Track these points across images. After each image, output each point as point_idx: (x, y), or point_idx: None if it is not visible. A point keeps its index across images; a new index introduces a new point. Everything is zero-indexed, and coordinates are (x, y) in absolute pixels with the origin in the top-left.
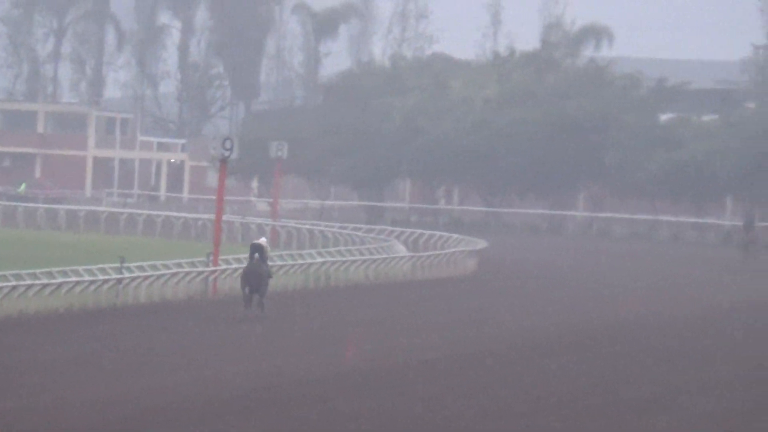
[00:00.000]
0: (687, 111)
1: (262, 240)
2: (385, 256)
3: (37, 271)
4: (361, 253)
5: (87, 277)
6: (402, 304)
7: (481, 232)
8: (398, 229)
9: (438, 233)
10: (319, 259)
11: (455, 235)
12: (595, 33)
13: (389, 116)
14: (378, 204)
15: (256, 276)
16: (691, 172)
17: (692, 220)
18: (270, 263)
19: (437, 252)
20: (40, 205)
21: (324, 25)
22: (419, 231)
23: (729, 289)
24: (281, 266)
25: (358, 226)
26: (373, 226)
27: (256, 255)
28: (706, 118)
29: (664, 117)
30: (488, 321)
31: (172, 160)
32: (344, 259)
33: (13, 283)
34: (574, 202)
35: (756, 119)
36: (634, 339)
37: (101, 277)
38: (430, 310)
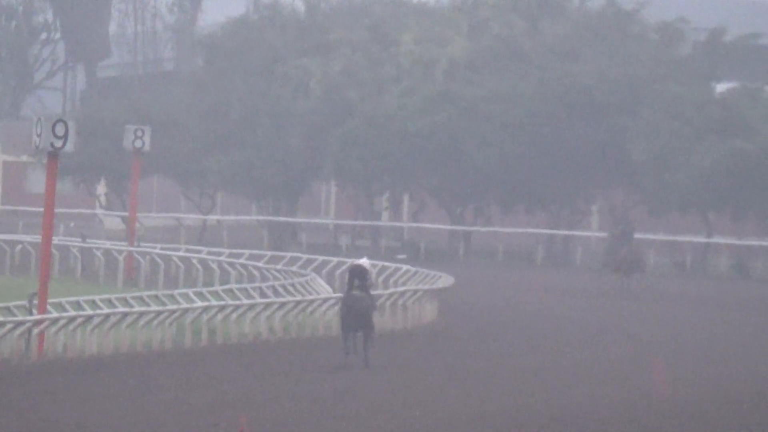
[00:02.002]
0: (756, 79)
1: (365, 261)
2: (299, 298)
3: None
4: (263, 295)
5: None
6: (318, 372)
7: (445, 261)
8: (319, 257)
9: (380, 263)
10: (200, 303)
11: (405, 267)
12: None
13: (304, 87)
14: (288, 219)
15: (357, 311)
16: (763, 169)
17: (766, 243)
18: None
19: (378, 292)
20: None
21: None
22: (351, 260)
23: None
24: (141, 313)
25: (258, 252)
26: (280, 253)
27: (357, 282)
28: None
29: (721, 87)
30: (437, 402)
31: None
32: (237, 303)
33: None
34: (587, 218)
35: None
36: None
37: None
38: (357, 385)
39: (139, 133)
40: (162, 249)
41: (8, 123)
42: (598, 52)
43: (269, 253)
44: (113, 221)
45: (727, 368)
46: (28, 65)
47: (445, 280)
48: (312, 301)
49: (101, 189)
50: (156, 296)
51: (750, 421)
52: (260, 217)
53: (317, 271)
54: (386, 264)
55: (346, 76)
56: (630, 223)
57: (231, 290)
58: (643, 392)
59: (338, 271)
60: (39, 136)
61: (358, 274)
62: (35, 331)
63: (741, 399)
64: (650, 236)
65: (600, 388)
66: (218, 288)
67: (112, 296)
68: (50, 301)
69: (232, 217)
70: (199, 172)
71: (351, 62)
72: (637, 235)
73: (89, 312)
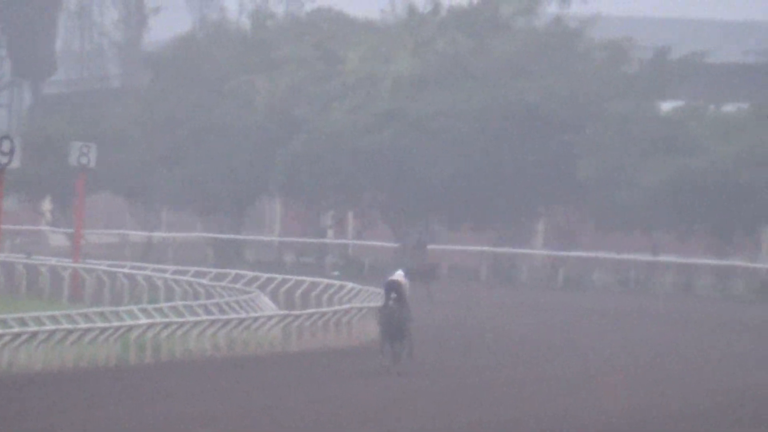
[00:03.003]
0: (702, 97)
1: (400, 275)
2: (243, 315)
3: None
4: (208, 312)
5: None
6: (262, 389)
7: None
8: (264, 275)
9: (325, 281)
10: (144, 320)
11: (350, 284)
12: None
13: (251, 104)
14: (234, 237)
15: (396, 322)
16: (708, 188)
17: (711, 261)
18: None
19: (323, 310)
20: None
21: None
22: (295, 278)
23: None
24: (87, 329)
25: (204, 270)
26: (225, 270)
27: (393, 295)
28: (730, 107)
29: (666, 106)
30: (377, 420)
31: None
32: (182, 320)
33: None
34: (531, 235)
35: None
36: None
37: None
38: (301, 404)
39: (85, 150)
40: (107, 266)
41: None
42: (544, 70)
43: (214, 270)
44: (59, 238)
45: (675, 383)
46: None
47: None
48: (256, 318)
49: (46, 205)
50: (101, 313)
51: None
52: (205, 234)
53: (262, 288)
54: (330, 282)
55: (293, 93)
56: (425, 234)
57: (176, 307)
58: (600, 405)
59: (282, 289)
60: None
61: (394, 287)
62: None
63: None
64: (595, 254)
65: (553, 402)
66: (163, 305)
67: (57, 313)
68: None
69: (177, 234)
70: (145, 188)
71: (297, 79)
72: (580, 253)
73: (34, 328)
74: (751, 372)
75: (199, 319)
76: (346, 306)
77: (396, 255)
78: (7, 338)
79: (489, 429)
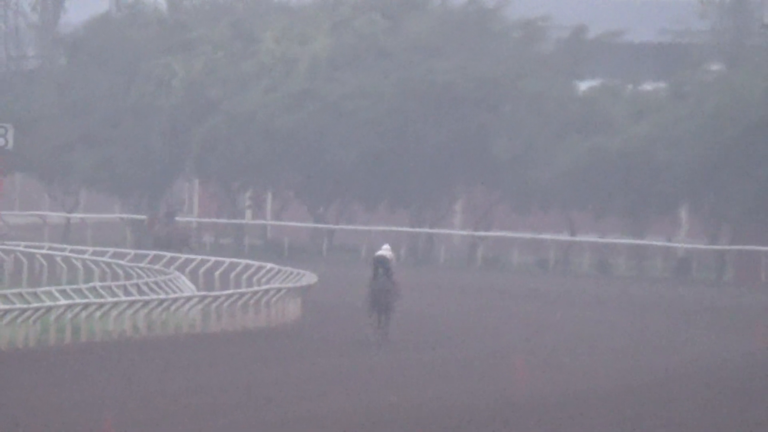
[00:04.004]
0: (618, 76)
1: (387, 249)
2: (162, 296)
3: None
4: (128, 292)
5: None
6: (181, 370)
7: (309, 259)
8: (182, 256)
9: (243, 261)
10: (64, 301)
11: (269, 265)
12: None
13: (167, 85)
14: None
15: (384, 296)
16: (624, 168)
17: (627, 241)
18: None
19: (242, 291)
20: None
21: None
22: (214, 258)
23: (689, 346)
24: (6, 311)
25: (123, 251)
26: (144, 251)
27: (380, 270)
28: (647, 86)
29: (583, 85)
30: (292, 400)
31: None
32: (101, 300)
33: None
34: (449, 216)
35: (722, 88)
36: None
37: None
38: (219, 385)
39: (2, 131)
40: (26, 247)
41: None
42: (460, 49)
43: (133, 251)
44: None
45: (603, 362)
46: None
47: (308, 278)
48: (176, 299)
49: None
50: (20, 294)
51: (609, 416)
52: (123, 215)
53: (181, 269)
54: (249, 262)
55: (208, 74)
56: (174, 207)
57: (95, 288)
58: (505, 387)
59: (201, 269)
60: None
61: (381, 263)
62: None
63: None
64: (513, 234)
65: (461, 384)
66: (82, 286)
67: None
68: None
69: (96, 215)
70: (63, 169)
71: (213, 60)
72: (498, 233)
73: None
74: (664, 353)
75: (118, 300)
76: (266, 287)
77: (145, 226)
78: None
79: (384, 411)
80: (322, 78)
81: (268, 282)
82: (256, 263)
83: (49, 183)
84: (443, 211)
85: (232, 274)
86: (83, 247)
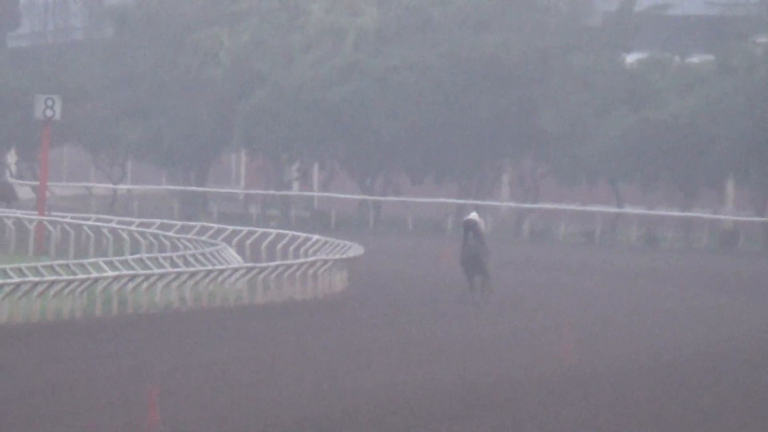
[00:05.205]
0: (665, 49)
1: (474, 215)
2: (209, 268)
3: None
4: (174, 264)
5: None
6: (228, 341)
7: (355, 231)
8: (229, 227)
9: (290, 233)
10: (110, 273)
11: (315, 236)
12: None
13: (214, 57)
14: (199, 189)
15: (475, 258)
16: (671, 141)
17: (674, 213)
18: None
19: (288, 262)
20: None
21: None
22: (261, 230)
23: (734, 320)
24: (52, 282)
25: (169, 222)
26: (190, 223)
27: (471, 234)
28: (694, 59)
29: (630, 58)
30: (345, 371)
31: None
32: (147, 272)
33: None
34: (496, 187)
35: None
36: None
37: None
38: (262, 356)
39: (50, 103)
40: (72, 218)
41: None
42: (507, 22)
43: (179, 223)
44: (24, 190)
45: (636, 339)
46: None
47: (355, 250)
48: (222, 271)
49: (11, 158)
50: (67, 265)
51: (655, 390)
52: (170, 187)
53: (228, 240)
54: (296, 233)
55: (255, 46)
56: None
57: (141, 260)
58: (552, 360)
59: (248, 241)
60: None
61: (471, 226)
62: None
63: (646, 368)
64: (560, 206)
65: (509, 356)
66: (128, 257)
67: (23, 265)
68: None
69: (143, 187)
70: (109, 141)
71: (260, 32)
72: (545, 205)
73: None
74: (709, 328)
75: (165, 271)
76: (312, 258)
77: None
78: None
79: (428, 384)
80: (369, 51)
81: (314, 254)
82: (303, 235)
83: (96, 154)
84: (490, 183)
85: (279, 246)
86: (130, 219)
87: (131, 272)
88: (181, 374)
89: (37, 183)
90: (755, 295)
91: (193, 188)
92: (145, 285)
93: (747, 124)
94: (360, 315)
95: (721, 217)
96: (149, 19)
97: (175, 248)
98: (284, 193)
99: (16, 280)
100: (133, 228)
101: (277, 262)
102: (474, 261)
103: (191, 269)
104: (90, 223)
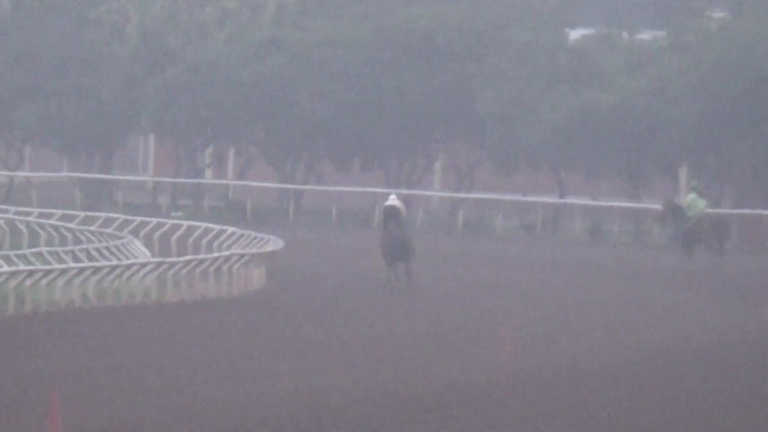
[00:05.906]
0: (613, 24)
1: (394, 199)
2: (114, 263)
3: None
4: (76, 259)
5: None
6: (134, 342)
7: (274, 223)
8: (137, 219)
9: (203, 225)
10: (6, 268)
11: (230, 229)
12: None
13: (120, 32)
14: (103, 177)
15: (397, 242)
16: (619, 124)
17: (622, 204)
18: None
19: (201, 257)
20: None
21: None
22: (171, 222)
23: (693, 319)
24: None
25: (71, 213)
26: (94, 214)
27: (391, 221)
28: (644, 35)
29: (574, 34)
30: (261, 374)
31: None
32: (47, 267)
33: None
34: (428, 175)
35: (726, 38)
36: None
37: None
38: (170, 358)
39: None
40: None
41: None
42: None
43: (82, 214)
44: None
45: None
46: None
47: (274, 244)
48: (129, 266)
49: None
50: None
51: (600, 395)
52: (72, 174)
53: (134, 233)
54: (209, 225)
55: (166, 20)
56: None
57: (41, 254)
58: (491, 363)
59: (157, 233)
60: None
61: (392, 213)
62: None
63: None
64: (497, 196)
65: (432, 359)
66: (27, 251)
67: None
68: None
69: (42, 174)
70: (6, 124)
71: (171, 5)
72: (481, 195)
73: None
74: (659, 326)
75: (66, 266)
76: (227, 253)
77: None
78: None
79: (351, 388)
80: (290, 25)
81: (229, 248)
82: (217, 227)
83: None
84: (421, 170)
85: (191, 239)
86: (28, 209)
87: (30, 267)
88: (84, 378)
89: None
90: (708, 292)
91: (98, 176)
92: (44, 281)
93: (702, 106)
94: (278, 314)
95: None
96: None
97: (77, 241)
98: (196, 181)
99: None
100: (31, 219)
101: (189, 257)
102: (401, 247)
103: (95, 264)
104: None
